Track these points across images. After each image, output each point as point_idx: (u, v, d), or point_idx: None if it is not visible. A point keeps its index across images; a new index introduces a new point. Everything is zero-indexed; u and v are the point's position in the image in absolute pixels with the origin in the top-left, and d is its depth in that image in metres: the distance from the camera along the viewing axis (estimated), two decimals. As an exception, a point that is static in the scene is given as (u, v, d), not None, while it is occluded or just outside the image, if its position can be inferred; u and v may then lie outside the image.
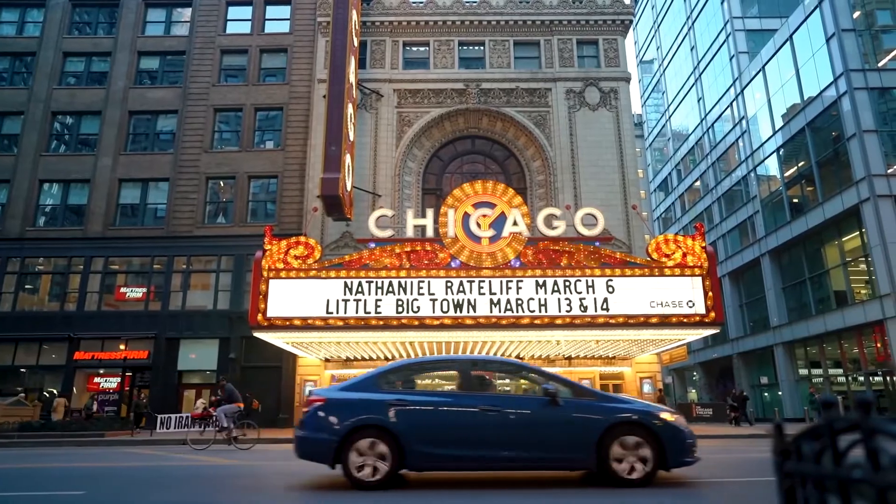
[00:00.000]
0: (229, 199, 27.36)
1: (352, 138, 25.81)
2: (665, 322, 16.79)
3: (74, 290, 25.89)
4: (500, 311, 16.86)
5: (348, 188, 24.67)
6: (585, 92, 28.18)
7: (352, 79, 25.71)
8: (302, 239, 17.86)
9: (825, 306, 27.80)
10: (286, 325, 16.94)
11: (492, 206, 17.73)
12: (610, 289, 16.89)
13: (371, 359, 23.15)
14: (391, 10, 29.29)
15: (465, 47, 29.51)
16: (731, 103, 36.89)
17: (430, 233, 19.14)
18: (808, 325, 28.42)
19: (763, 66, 32.84)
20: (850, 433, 1.24)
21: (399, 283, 17.03)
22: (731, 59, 36.79)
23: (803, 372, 30.31)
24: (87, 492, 6.81)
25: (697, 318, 16.76)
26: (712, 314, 16.68)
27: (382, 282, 17.04)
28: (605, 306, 16.77)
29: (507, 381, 9.71)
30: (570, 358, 23.57)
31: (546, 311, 16.80)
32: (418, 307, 16.88)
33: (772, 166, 32.66)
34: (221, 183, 27.71)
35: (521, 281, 17.07)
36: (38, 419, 21.23)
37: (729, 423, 24.33)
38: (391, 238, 18.28)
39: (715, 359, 39.04)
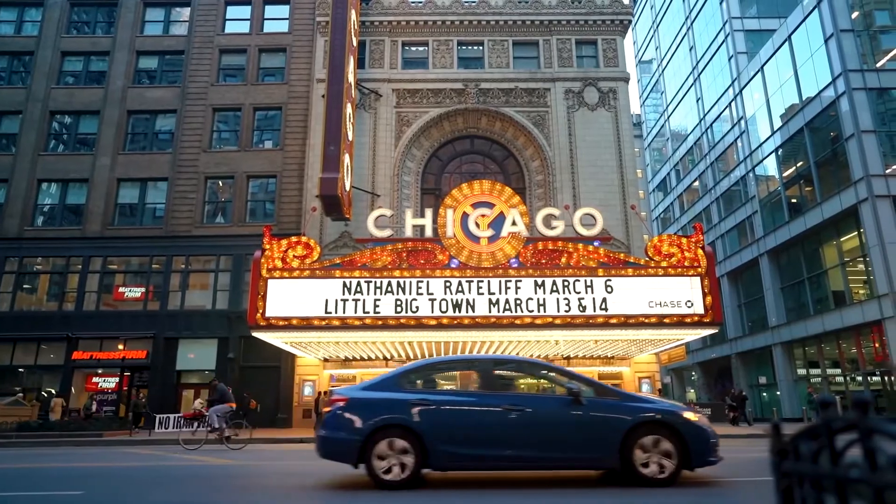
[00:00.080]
0: (228, 199, 27.34)
1: (350, 138, 25.81)
2: (664, 322, 16.80)
3: (73, 290, 25.86)
4: (498, 311, 16.86)
5: (347, 188, 24.67)
6: (584, 92, 28.19)
7: (351, 78, 25.71)
8: (301, 239, 17.85)
9: (823, 306, 27.84)
10: (285, 324, 16.93)
11: (490, 205, 17.73)
12: (608, 289, 16.90)
13: (370, 359, 23.16)
14: (390, 10, 29.29)
15: (463, 47, 29.51)
16: (730, 103, 36.92)
17: (428, 233, 19.14)
18: (807, 325, 28.45)
19: (762, 67, 32.88)
20: (848, 433, 1.24)
21: (398, 282, 17.03)
22: (729, 60, 36.82)
23: (801, 372, 30.35)
24: (85, 492, 6.80)
25: (696, 318, 16.77)
26: (711, 314, 16.69)
27: (381, 282, 17.04)
28: (603, 306, 16.79)
29: (528, 380, 9.70)
30: (568, 358, 23.57)
31: (545, 311, 16.81)
32: (417, 307, 16.88)
33: (770, 166, 32.69)
34: (220, 183, 27.70)
35: (520, 281, 17.07)
36: (36, 419, 21.21)
37: (728, 423, 24.36)
38: (390, 238, 18.27)
39: (713, 359, 39.07)
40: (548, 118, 27.96)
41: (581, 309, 16.78)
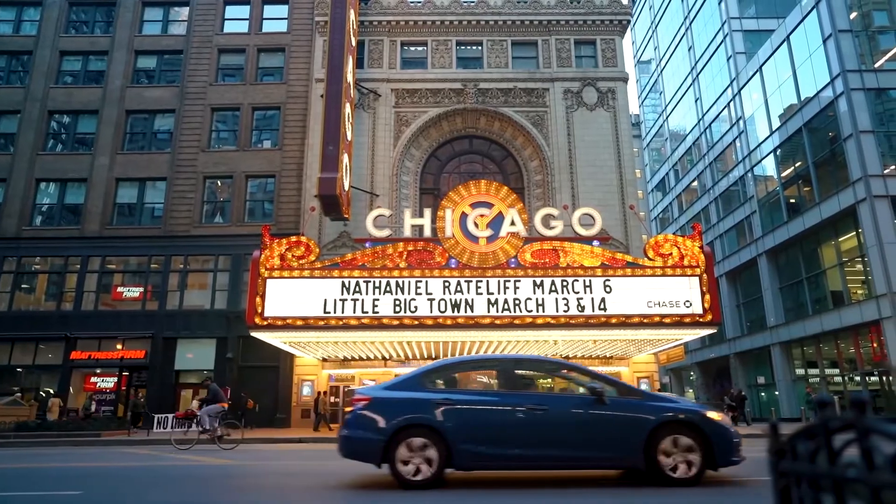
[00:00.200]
0: (227, 199, 27.32)
1: (349, 138, 25.80)
2: (662, 322, 16.82)
3: (71, 290, 25.83)
4: (497, 311, 16.87)
5: (346, 188, 24.65)
6: (583, 92, 28.20)
7: (349, 78, 25.69)
8: (300, 238, 17.85)
9: (822, 306, 27.87)
10: (283, 324, 16.92)
11: (489, 205, 17.73)
12: (607, 289, 16.91)
13: (368, 358, 23.16)
14: (389, 10, 29.28)
15: (462, 47, 29.51)
16: (729, 104, 36.95)
17: (427, 232, 19.14)
18: (805, 325, 28.48)
19: (760, 67, 32.91)
20: (845, 432, 1.24)
21: (396, 282, 17.03)
22: (728, 60, 36.85)
23: (800, 372, 30.39)
24: (84, 492, 6.80)
25: (695, 318, 16.79)
26: (709, 314, 16.70)
27: (380, 281, 17.04)
28: (602, 306, 16.80)
29: (549, 379, 9.68)
30: (567, 357, 23.57)
31: (543, 311, 16.82)
32: (416, 307, 16.88)
33: (769, 166, 32.72)
34: (219, 182, 27.67)
35: (519, 281, 17.08)
36: (34, 419, 21.18)
37: (726, 423, 24.35)
38: (389, 238, 18.27)
39: (712, 359, 39.10)
40: (546, 118, 27.97)
41: (580, 309, 16.79)
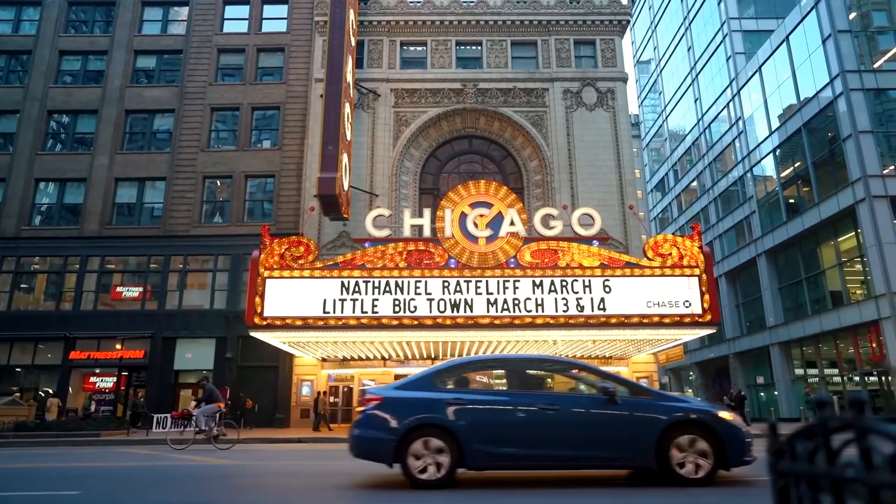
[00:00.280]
0: (226, 199, 27.31)
1: (349, 138, 25.79)
2: (662, 322, 16.83)
3: (70, 290, 25.81)
4: (497, 311, 16.87)
5: (345, 188, 24.65)
6: (582, 92, 28.21)
7: (349, 78, 25.69)
8: (299, 238, 17.85)
9: (821, 306, 27.89)
10: (283, 324, 16.92)
11: (489, 205, 17.73)
12: (607, 289, 16.92)
13: (368, 358, 23.16)
14: (388, 10, 29.28)
15: (462, 47, 29.51)
16: (728, 104, 36.96)
17: (427, 232, 19.13)
18: (804, 325, 28.50)
19: (759, 67, 32.92)
20: (844, 432, 1.24)
21: (396, 282, 17.03)
22: (727, 60, 36.86)
23: (799, 372, 30.40)
24: (83, 492, 6.79)
25: (694, 318, 16.80)
26: (709, 314, 16.72)
27: (379, 281, 17.03)
28: (601, 306, 16.80)
29: (560, 379, 9.70)
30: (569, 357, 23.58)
31: (543, 311, 16.82)
32: (415, 307, 16.88)
33: (768, 167, 32.73)
34: (218, 182, 27.66)
35: (518, 281, 17.08)
36: (34, 419, 21.17)
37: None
38: (388, 238, 18.27)
39: (711, 359, 39.12)
40: (546, 118, 27.97)
41: (579, 309, 16.80)
